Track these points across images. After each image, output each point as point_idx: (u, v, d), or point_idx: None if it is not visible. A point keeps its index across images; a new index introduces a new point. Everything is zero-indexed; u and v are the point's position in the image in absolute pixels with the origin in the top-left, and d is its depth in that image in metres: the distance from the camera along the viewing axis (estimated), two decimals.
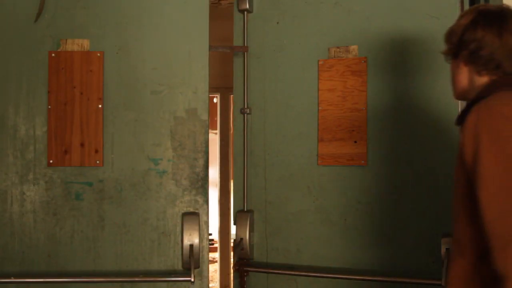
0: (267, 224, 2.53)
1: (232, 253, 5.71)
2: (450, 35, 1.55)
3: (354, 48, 2.42)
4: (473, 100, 1.46)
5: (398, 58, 2.36)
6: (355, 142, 2.40)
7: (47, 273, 2.24)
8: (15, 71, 2.27)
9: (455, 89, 1.59)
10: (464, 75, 1.53)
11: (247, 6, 2.54)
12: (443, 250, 2.23)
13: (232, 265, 2.52)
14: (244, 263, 2.52)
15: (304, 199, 2.46)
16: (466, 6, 2.34)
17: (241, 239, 2.51)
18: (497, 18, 1.46)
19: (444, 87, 2.29)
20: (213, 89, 3.44)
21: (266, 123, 2.55)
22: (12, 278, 2.19)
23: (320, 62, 2.46)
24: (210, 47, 2.32)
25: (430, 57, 2.31)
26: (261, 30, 2.56)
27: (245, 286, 2.52)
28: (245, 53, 2.56)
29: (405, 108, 2.34)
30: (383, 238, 2.35)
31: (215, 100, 5.64)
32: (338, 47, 2.44)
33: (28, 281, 2.23)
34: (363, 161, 2.38)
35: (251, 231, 2.53)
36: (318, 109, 2.46)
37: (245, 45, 2.56)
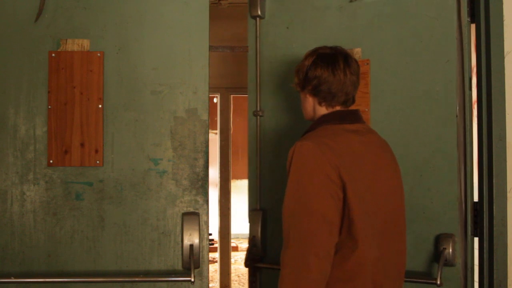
0: (279, 223, 2.53)
1: (231, 253, 5.72)
2: (298, 72, 1.93)
3: (358, 50, 2.43)
4: (308, 128, 1.89)
5: (399, 59, 2.36)
6: None
7: (47, 273, 2.24)
8: (15, 71, 2.27)
9: (304, 114, 1.98)
10: (310, 104, 1.92)
11: (259, 13, 2.62)
12: (439, 249, 2.24)
13: (243, 262, 2.62)
14: (256, 260, 2.59)
15: None
16: (465, 7, 2.34)
17: (254, 236, 2.59)
18: (330, 59, 1.86)
19: (445, 88, 2.30)
20: (213, 89, 3.43)
21: (278, 125, 2.60)
22: (12, 278, 2.19)
23: None
24: (210, 47, 2.32)
25: (430, 58, 2.32)
26: (272, 35, 2.63)
27: (257, 282, 2.59)
28: (258, 56, 2.63)
29: (407, 109, 2.34)
30: None
31: (215, 100, 5.64)
32: None
33: (28, 281, 2.22)
34: None
35: (263, 229, 2.59)
36: None
37: (258, 49, 2.63)
